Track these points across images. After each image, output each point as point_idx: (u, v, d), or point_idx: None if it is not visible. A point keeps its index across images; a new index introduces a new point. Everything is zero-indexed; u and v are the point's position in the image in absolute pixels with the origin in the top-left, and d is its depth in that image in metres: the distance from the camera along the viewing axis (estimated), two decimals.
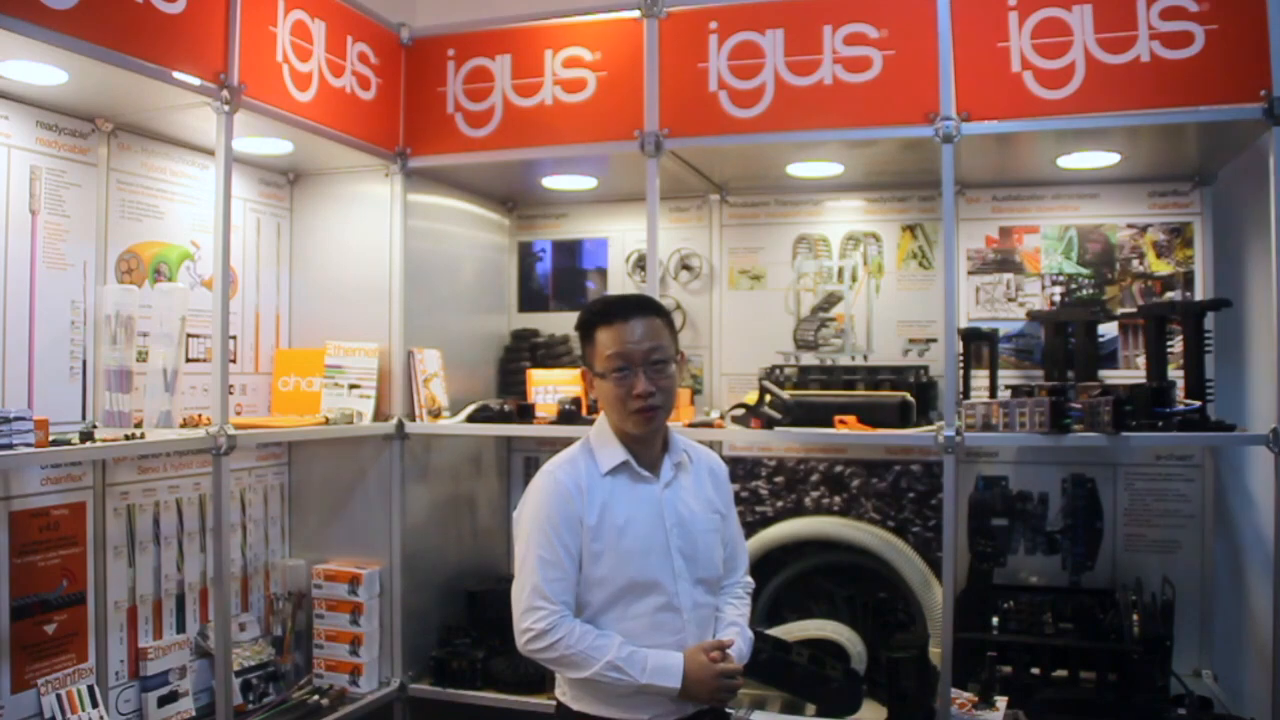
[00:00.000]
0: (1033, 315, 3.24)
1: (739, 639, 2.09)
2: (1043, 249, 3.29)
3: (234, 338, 3.08)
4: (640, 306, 2.06)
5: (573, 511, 1.99)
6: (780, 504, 3.44)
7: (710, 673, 1.97)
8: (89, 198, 2.60)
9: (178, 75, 2.37)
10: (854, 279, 3.39)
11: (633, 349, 2.00)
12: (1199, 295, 3.12)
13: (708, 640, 2.05)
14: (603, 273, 3.78)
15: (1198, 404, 2.72)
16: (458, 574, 3.49)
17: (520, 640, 1.98)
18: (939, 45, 2.69)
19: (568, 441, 2.15)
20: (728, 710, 2.22)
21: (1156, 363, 2.89)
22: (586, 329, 2.08)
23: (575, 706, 2.04)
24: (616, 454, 2.05)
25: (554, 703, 2.11)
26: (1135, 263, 3.22)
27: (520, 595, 1.98)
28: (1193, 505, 3.13)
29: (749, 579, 2.26)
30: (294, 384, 3.23)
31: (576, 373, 3.39)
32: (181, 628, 2.81)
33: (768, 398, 2.96)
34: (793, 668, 2.79)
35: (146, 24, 2.28)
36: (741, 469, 3.48)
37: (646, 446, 2.08)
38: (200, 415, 2.66)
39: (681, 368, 2.15)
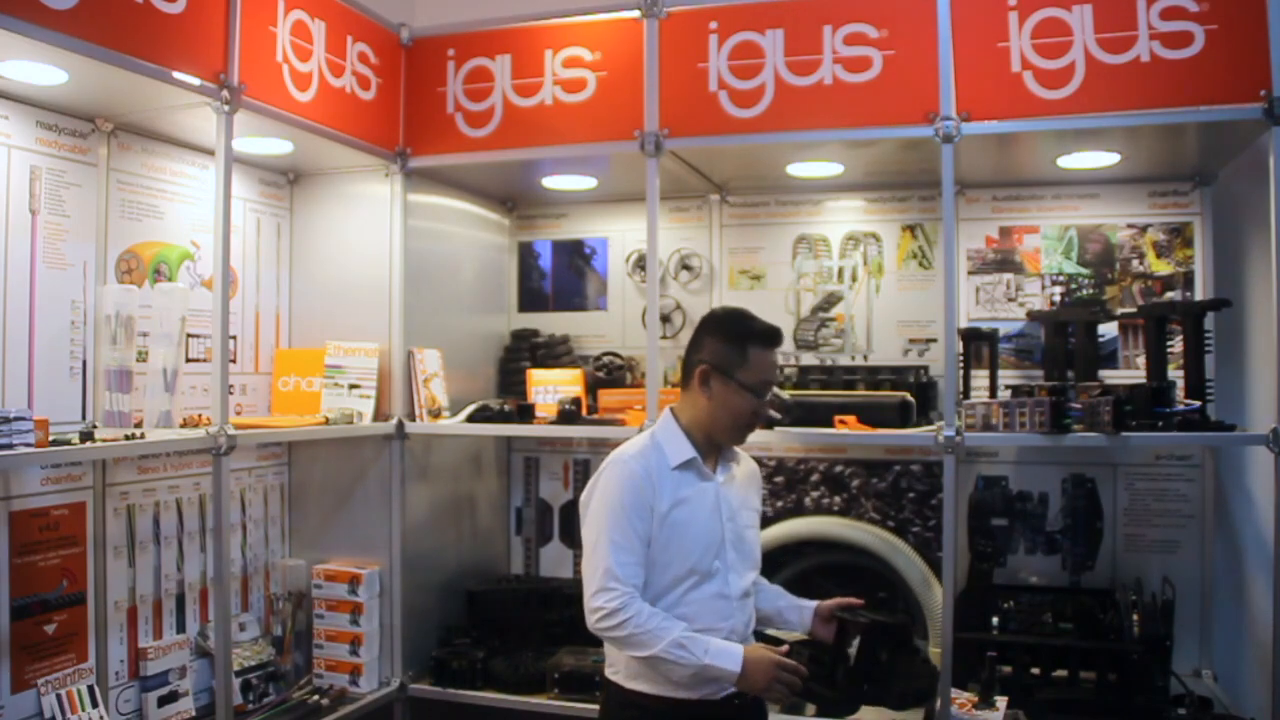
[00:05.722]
0: (1033, 315, 3.24)
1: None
2: (1043, 249, 3.29)
3: (234, 338, 3.08)
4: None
5: (645, 499, 2.10)
6: (780, 504, 3.44)
7: (768, 661, 2.07)
8: (89, 198, 2.60)
9: (178, 75, 2.37)
10: (854, 279, 3.40)
11: (774, 377, 2.25)
12: (1199, 295, 3.12)
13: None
14: (601, 267, 3.79)
15: (1198, 404, 2.72)
16: (458, 574, 3.48)
17: (591, 619, 2.07)
18: (939, 45, 2.68)
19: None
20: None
21: (1156, 363, 2.89)
22: (740, 341, 2.19)
23: (630, 685, 2.13)
24: (685, 450, 2.19)
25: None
26: (1135, 263, 3.22)
27: (593, 576, 2.08)
28: (1193, 505, 3.13)
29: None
30: (294, 384, 3.23)
31: (577, 373, 3.39)
32: (181, 628, 2.81)
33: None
34: None
35: (146, 24, 2.27)
36: None
37: (713, 449, 2.24)
38: (200, 415, 2.65)
39: None
